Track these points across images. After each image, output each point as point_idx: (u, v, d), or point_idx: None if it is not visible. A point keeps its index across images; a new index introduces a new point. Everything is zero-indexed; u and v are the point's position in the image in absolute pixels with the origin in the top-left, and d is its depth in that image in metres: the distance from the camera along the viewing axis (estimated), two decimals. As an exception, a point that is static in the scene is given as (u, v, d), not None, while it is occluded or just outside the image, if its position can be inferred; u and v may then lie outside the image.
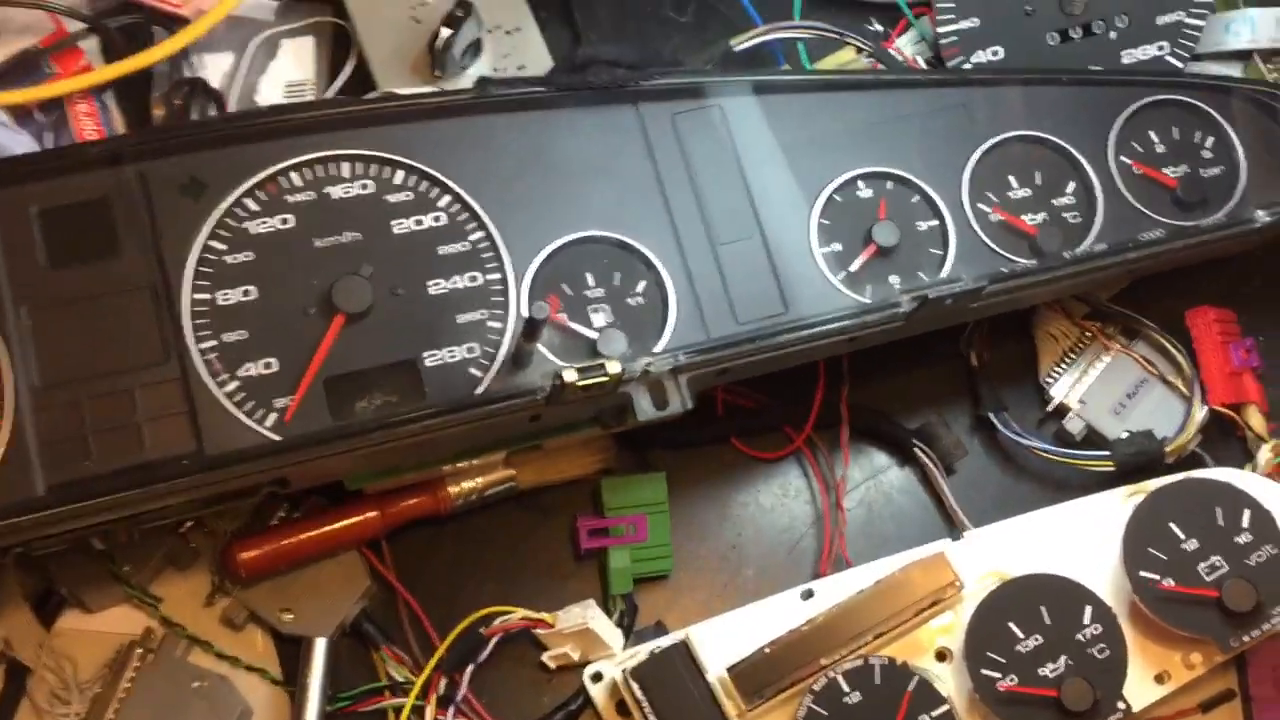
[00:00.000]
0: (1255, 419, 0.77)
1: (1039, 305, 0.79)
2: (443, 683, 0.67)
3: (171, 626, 0.67)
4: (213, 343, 0.60)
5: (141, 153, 0.62)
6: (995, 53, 0.81)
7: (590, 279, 0.66)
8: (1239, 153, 0.76)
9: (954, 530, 0.75)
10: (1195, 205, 0.74)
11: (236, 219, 0.62)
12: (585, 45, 0.81)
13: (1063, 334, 0.79)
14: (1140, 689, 0.66)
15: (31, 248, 0.59)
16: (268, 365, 0.60)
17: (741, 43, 0.79)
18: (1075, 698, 0.63)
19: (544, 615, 0.68)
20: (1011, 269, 0.70)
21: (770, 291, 0.67)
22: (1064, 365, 0.78)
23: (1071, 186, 0.74)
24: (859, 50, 0.81)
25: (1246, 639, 0.66)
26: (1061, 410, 0.78)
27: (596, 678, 0.68)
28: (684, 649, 0.65)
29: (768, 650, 0.65)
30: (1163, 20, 0.81)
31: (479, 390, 0.62)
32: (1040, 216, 0.72)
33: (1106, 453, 0.74)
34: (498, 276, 0.64)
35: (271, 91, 0.79)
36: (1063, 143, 0.74)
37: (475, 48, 0.77)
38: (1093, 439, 0.77)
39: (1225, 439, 0.78)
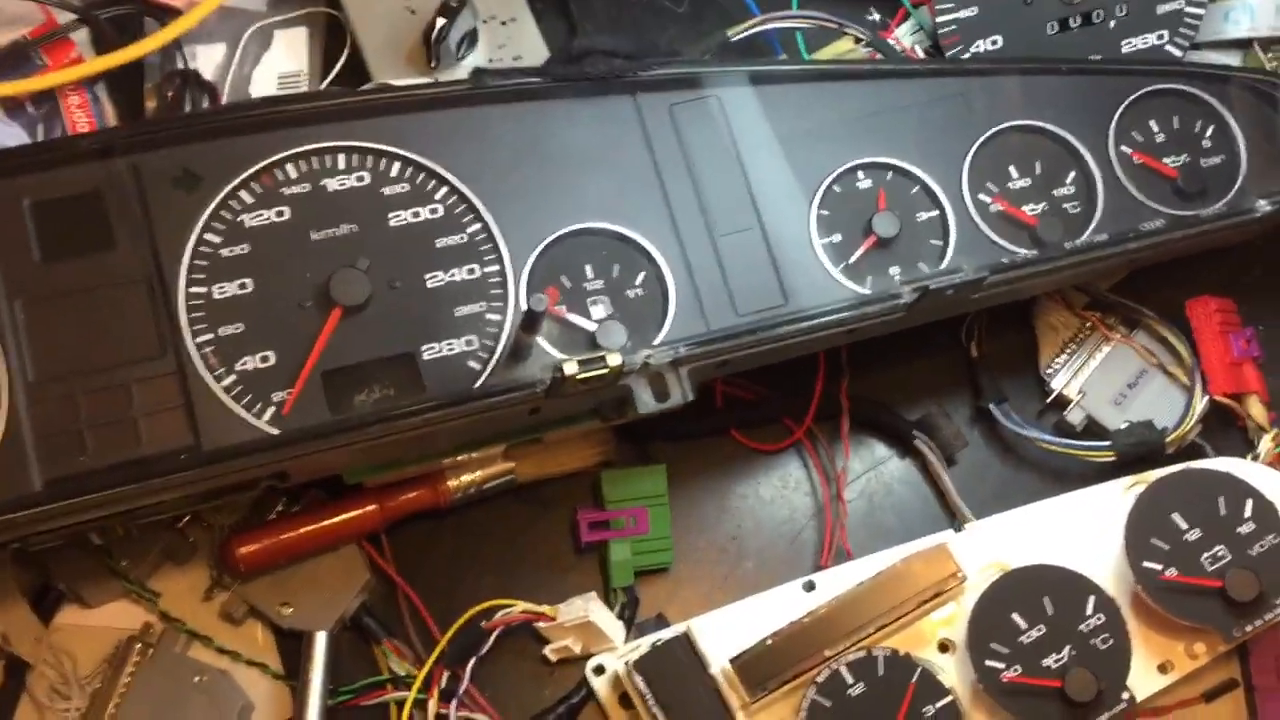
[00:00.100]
0: (1256, 408, 0.76)
1: (1039, 296, 0.78)
2: (445, 676, 0.66)
3: (170, 621, 0.67)
4: (209, 336, 0.59)
5: (135, 145, 0.61)
6: (994, 42, 0.81)
7: (589, 271, 0.65)
8: (1239, 142, 0.76)
9: (955, 521, 0.74)
10: (1195, 195, 0.74)
11: (231, 211, 0.61)
12: (581, 36, 0.81)
13: (1063, 324, 0.79)
14: (1143, 679, 0.66)
15: (25, 241, 0.59)
16: (265, 359, 0.60)
17: (739, 32, 0.78)
18: (1079, 688, 0.62)
19: (545, 608, 0.68)
20: (1012, 259, 0.70)
21: (770, 283, 0.67)
22: (1064, 356, 0.78)
23: (1071, 176, 0.73)
24: (857, 40, 0.81)
25: (1249, 628, 0.66)
26: (1062, 401, 0.77)
27: (599, 670, 0.68)
28: (686, 641, 0.65)
29: (770, 642, 0.65)
30: (1162, 9, 0.81)
31: (478, 383, 0.61)
32: (1040, 207, 0.72)
33: (1107, 443, 0.74)
34: (496, 269, 0.64)
35: (265, 83, 0.78)
36: (1063, 132, 0.73)
37: (470, 38, 0.77)
38: (1093, 429, 0.77)
39: (1226, 429, 0.77)
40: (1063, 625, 0.65)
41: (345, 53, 0.78)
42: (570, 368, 0.58)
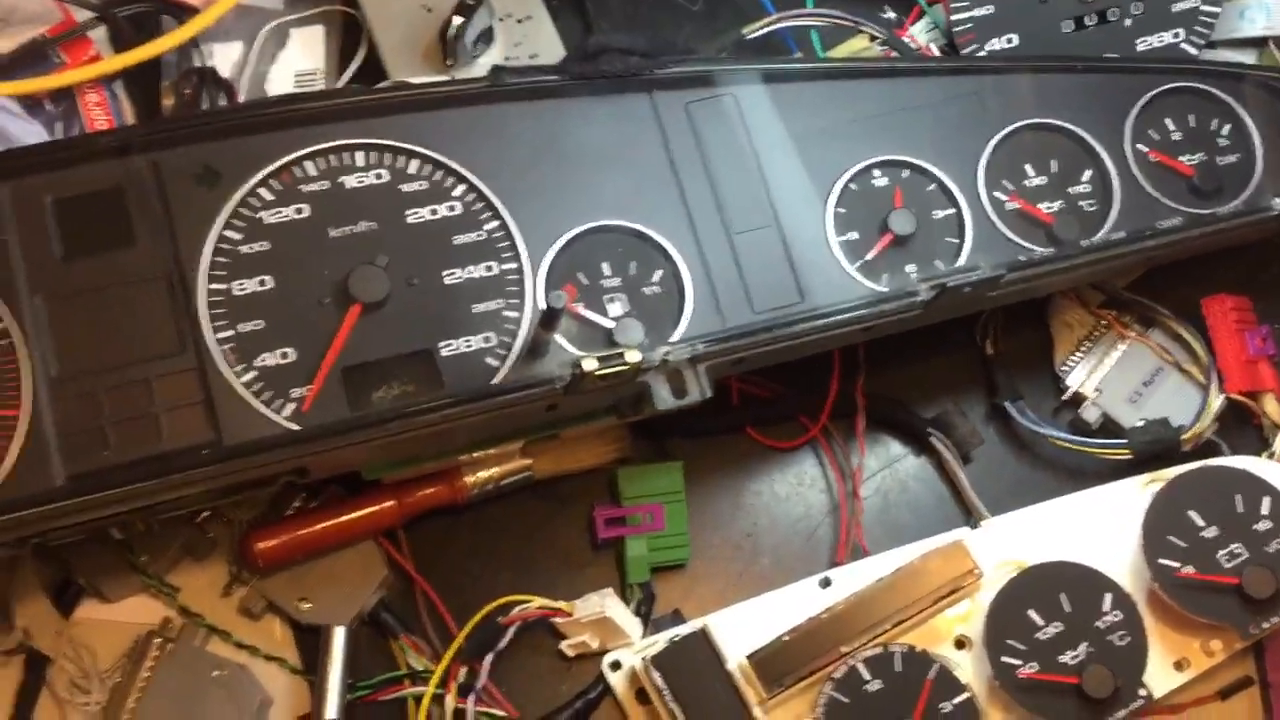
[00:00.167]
0: (1271, 406, 0.76)
1: (1054, 294, 0.78)
2: (462, 671, 0.66)
3: (190, 616, 0.67)
4: (229, 333, 0.59)
5: (155, 142, 0.61)
6: (1010, 40, 0.81)
7: (606, 268, 0.65)
8: (1255, 140, 0.76)
9: (970, 518, 0.74)
10: (1212, 193, 0.74)
11: (251, 209, 0.62)
12: (597, 33, 0.81)
13: (1078, 322, 0.79)
14: (1160, 676, 0.66)
15: (46, 238, 0.59)
16: (284, 355, 0.60)
17: (754, 30, 0.78)
18: (1096, 684, 0.63)
19: (562, 604, 0.68)
20: (1029, 257, 0.70)
21: (786, 280, 0.67)
22: (1080, 354, 0.78)
23: (1088, 175, 0.73)
24: (872, 38, 0.81)
25: (1266, 625, 0.66)
26: (1077, 399, 0.77)
27: (615, 666, 0.68)
28: (704, 637, 0.65)
29: (788, 638, 0.65)
30: (1177, 7, 0.81)
31: (496, 380, 0.62)
32: (1057, 205, 0.72)
33: (1123, 441, 0.74)
34: (513, 266, 0.64)
35: (281, 81, 0.79)
36: (1079, 131, 0.73)
37: (487, 36, 0.77)
38: (1109, 427, 0.77)
39: (1241, 426, 0.77)
40: (1080, 622, 0.65)
41: (362, 51, 0.78)
42: (589, 364, 0.58)
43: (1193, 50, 0.82)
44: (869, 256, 0.69)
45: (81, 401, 0.57)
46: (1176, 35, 0.81)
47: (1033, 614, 0.65)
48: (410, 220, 0.63)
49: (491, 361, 0.62)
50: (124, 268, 0.59)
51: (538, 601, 0.68)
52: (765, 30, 0.79)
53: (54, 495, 0.55)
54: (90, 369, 0.57)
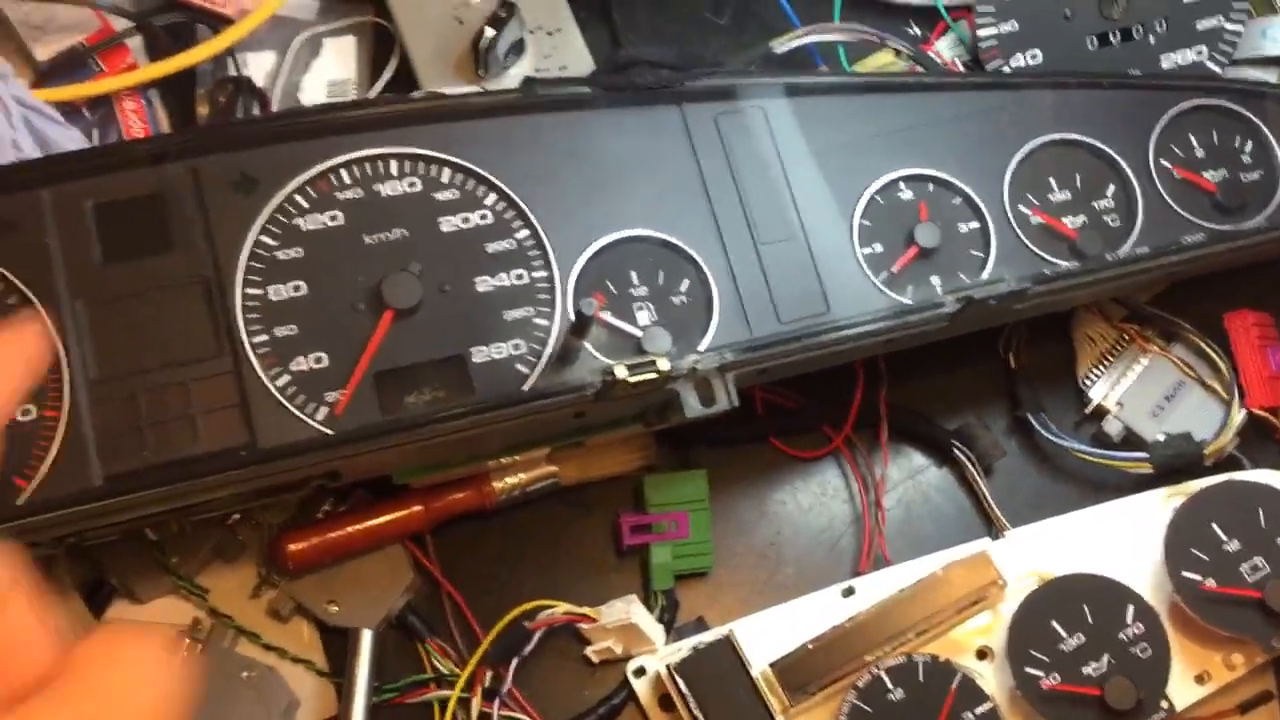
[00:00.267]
0: (1293, 422, 0.77)
1: (1077, 307, 0.79)
2: (487, 675, 0.67)
3: (219, 617, 0.68)
4: (264, 337, 0.60)
5: (195, 149, 0.62)
6: (1034, 56, 0.81)
7: (634, 277, 0.66)
8: (1277, 157, 0.77)
9: (992, 529, 0.75)
10: (1235, 209, 0.75)
11: (287, 215, 0.63)
12: (625, 46, 0.82)
13: (1101, 336, 0.79)
14: (1181, 689, 0.66)
15: (87, 242, 0.60)
16: (318, 360, 0.61)
17: (783, 44, 0.79)
18: (1119, 696, 0.63)
19: (587, 610, 0.69)
20: (1054, 271, 0.71)
21: (813, 291, 0.68)
22: (1102, 367, 0.79)
23: (1112, 190, 0.74)
24: (898, 53, 0.82)
25: (1288, 640, 0.66)
26: (1100, 412, 0.78)
27: (639, 672, 0.68)
28: (728, 644, 0.66)
29: (811, 646, 0.65)
30: (1202, 25, 0.82)
31: (526, 386, 0.62)
32: (1080, 219, 0.73)
33: (1144, 455, 0.75)
34: (544, 274, 0.65)
35: (314, 90, 0.80)
36: (1103, 146, 0.74)
37: (518, 48, 0.78)
38: (1131, 441, 0.77)
39: (1263, 441, 0.78)
40: (1102, 634, 0.65)
41: (394, 61, 0.79)
42: (621, 371, 0.59)
43: (1216, 68, 0.82)
44: (894, 269, 0.69)
45: (120, 404, 0.57)
46: (1200, 53, 0.82)
47: (1056, 625, 0.65)
48: (443, 228, 0.64)
49: (521, 368, 0.63)
50: (162, 272, 0.60)
51: (563, 607, 0.69)
52: (794, 45, 0.80)
53: (92, 495, 0.56)
54: (129, 372, 0.58)
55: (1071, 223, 0.73)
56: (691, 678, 0.65)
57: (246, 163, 0.63)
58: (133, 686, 0.33)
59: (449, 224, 0.65)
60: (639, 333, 0.65)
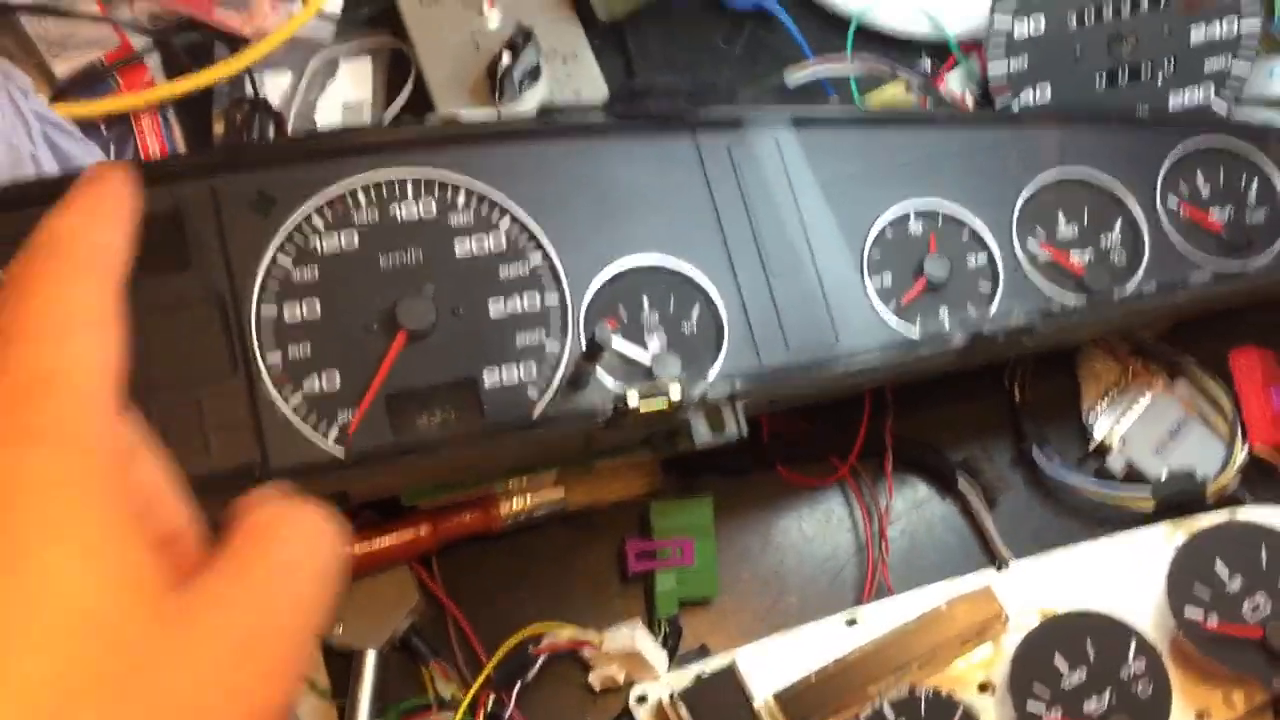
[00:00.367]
0: (1296, 461, 0.77)
1: (1082, 343, 0.80)
2: (490, 700, 0.67)
3: (224, 635, 0.68)
4: (278, 356, 0.60)
5: (213, 167, 0.63)
6: (1044, 93, 0.82)
7: (645, 304, 0.67)
8: (1283, 197, 0.78)
9: (995, 562, 0.75)
10: (1241, 248, 0.75)
11: (304, 236, 0.63)
12: (640, 74, 0.83)
13: (1106, 371, 0.80)
14: (1182, 727, 0.67)
15: (104, 259, 0.60)
16: (331, 380, 0.61)
17: (798, 80, 0.80)
18: (1120, 733, 0.63)
19: (591, 635, 0.69)
20: (1060, 307, 0.71)
21: (822, 322, 0.68)
22: (1106, 402, 0.79)
23: (1119, 227, 0.75)
24: (909, 87, 0.82)
25: (1289, 679, 0.66)
26: (1103, 448, 0.78)
27: (641, 699, 0.68)
28: (731, 673, 0.66)
29: (814, 678, 0.65)
30: (1209, 66, 0.82)
31: (536, 410, 0.63)
32: (1088, 256, 0.73)
33: (1147, 491, 0.75)
34: (556, 300, 0.65)
35: (330, 111, 0.80)
36: (1110, 184, 0.75)
37: (534, 73, 0.79)
38: (1134, 477, 0.78)
39: (1266, 479, 0.78)
40: (1104, 670, 0.66)
41: (410, 84, 0.80)
42: (633, 399, 0.59)
43: (1222, 108, 0.83)
44: (903, 301, 0.70)
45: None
46: (1207, 93, 0.83)
47: (1058, 660, 0.66)
48: (457, 252, 0.65)
49: (532, 392, 0.63)
50: (179, 290, 0.60)
51: (568, 631, 0.69)
52: (808, 77, 0.80)
53: (103, 510, 0.56)
54: (144, 387, 0.58)
55: (1079, 259, 0.73)
56: (695, 706, 0.65)
57: (265, 183, 0.63)
58: (303, 555, 0.32)
59: (463, 248, 0.65)
60: (649, 359, 0.65)
